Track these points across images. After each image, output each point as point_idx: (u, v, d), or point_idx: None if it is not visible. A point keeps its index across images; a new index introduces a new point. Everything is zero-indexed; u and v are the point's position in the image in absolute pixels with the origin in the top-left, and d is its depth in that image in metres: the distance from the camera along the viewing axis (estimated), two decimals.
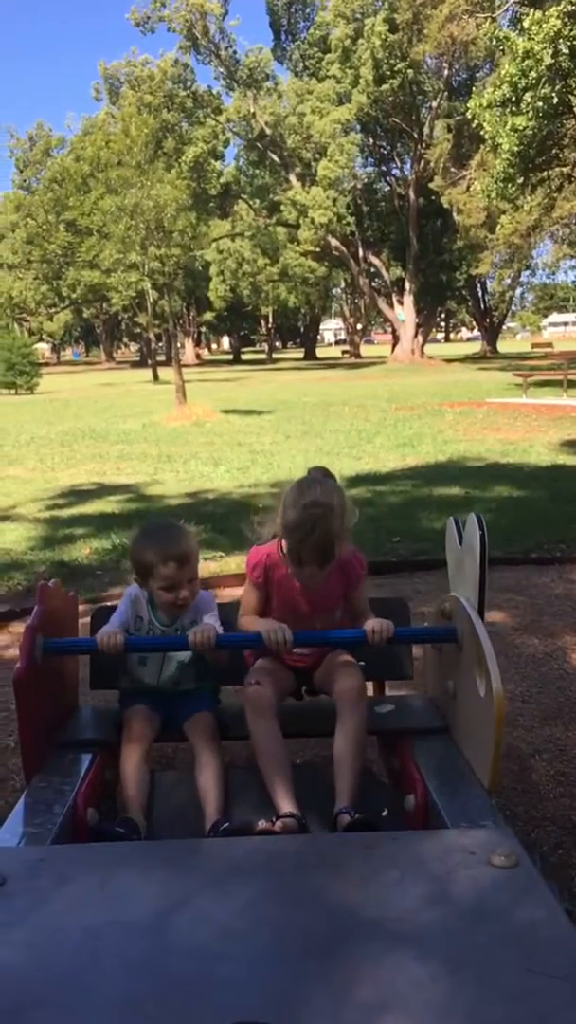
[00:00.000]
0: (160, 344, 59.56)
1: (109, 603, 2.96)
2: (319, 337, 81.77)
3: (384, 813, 2.23)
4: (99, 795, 2.45)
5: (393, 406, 18.24)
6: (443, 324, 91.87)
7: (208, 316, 60.72)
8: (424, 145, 40.42)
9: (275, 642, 2.41)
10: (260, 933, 1.52)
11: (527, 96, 18.20)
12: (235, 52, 43.61)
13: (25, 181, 59.58)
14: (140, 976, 1.42)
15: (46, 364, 56.22)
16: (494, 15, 25.11)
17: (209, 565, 5.84)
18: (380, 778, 2.77)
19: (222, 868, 1.77)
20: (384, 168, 46.95)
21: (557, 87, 17.88)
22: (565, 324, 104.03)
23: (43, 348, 73.66)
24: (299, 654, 2.69)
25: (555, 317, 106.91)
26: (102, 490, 9.38)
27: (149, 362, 43.68)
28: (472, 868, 1.70)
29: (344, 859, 1.80)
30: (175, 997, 1.35)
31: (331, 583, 2.63)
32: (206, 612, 2.68)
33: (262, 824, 2.20)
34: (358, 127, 42.36)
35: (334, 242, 43.01)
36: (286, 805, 2.26)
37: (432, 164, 37.91)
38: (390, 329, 51.01)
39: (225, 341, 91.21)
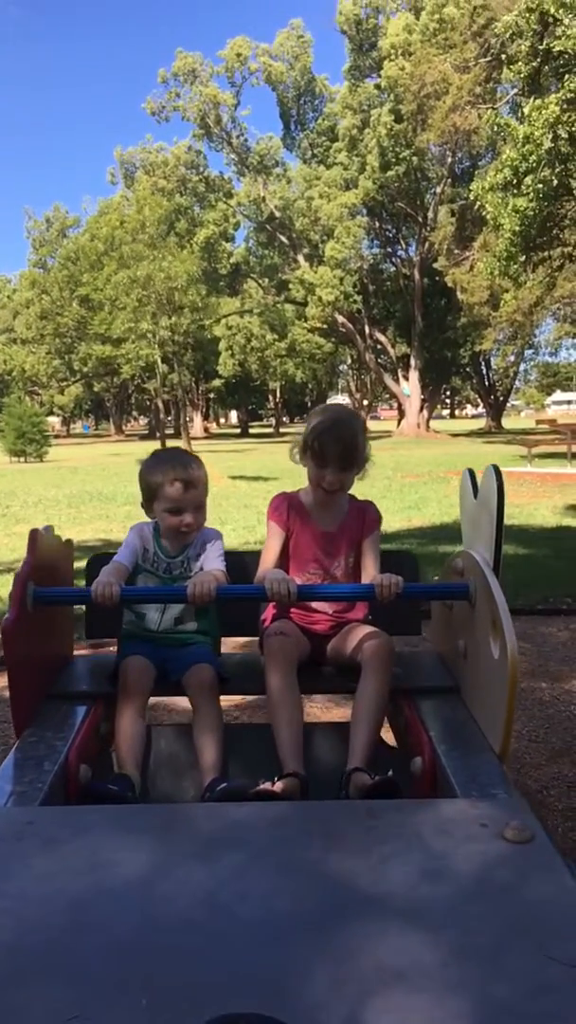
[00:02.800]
0: (169, 417, 60.36)
1: (105, 552, 2.82)
2: None
3: (389, 774, 2.10)
4: (93, 750, 2.33)
5: (399, 474, 18.37)
6: (448, 400, 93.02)
7: (217, 383, 61.55)
8: (428, 228, 41.62)
9: (278, 593, 2.30)
10: (256, 908, 1.42)
11: (528, 179, 18.82)
12: (246, 140, 45.42)
13: (41, 260, 61.32)
14: (128, 956, 1.32)
15: (56, 436, 56.90)
16: (495, 105, 26.22)
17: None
18: (384, 738, 2.62)
19: (216, 836, 1.67)
20: (390, 250, 48.26)
21: (557, 170, 18.51)
22: (568, 402, 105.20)
23: (53, 421, 74.62)
24: (320, 613, 2.61)
25: (558, 395, 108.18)
26: (107, 546, 9.39)
27: (158, 433, 44.20)
28: (483, 842, 1.59)
29: (346, 828, 1.69)
30: (164, 980, 1.25)
31: (347, 526, 2.61)
32: (213, 548, 2.61)
33: (262, 785, 2.10)
34: (364, 211, 43.69)
35: (341, 319, 43.94)
36: (292, 764, 2.18)
37: (436, 246, 38.99)
38: (396, 405, 51.71)
39: (233, 416, 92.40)
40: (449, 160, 39.98)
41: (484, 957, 1.29)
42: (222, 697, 2.50)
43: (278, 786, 2.09)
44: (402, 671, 2.57)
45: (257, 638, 2.71)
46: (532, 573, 7.00)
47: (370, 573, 2.57)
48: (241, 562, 2.73)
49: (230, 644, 2.84)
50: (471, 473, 2.65)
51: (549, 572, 7.08)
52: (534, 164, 18.29)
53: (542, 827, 1.66)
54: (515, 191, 19.43)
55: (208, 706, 2.39)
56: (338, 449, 2.47)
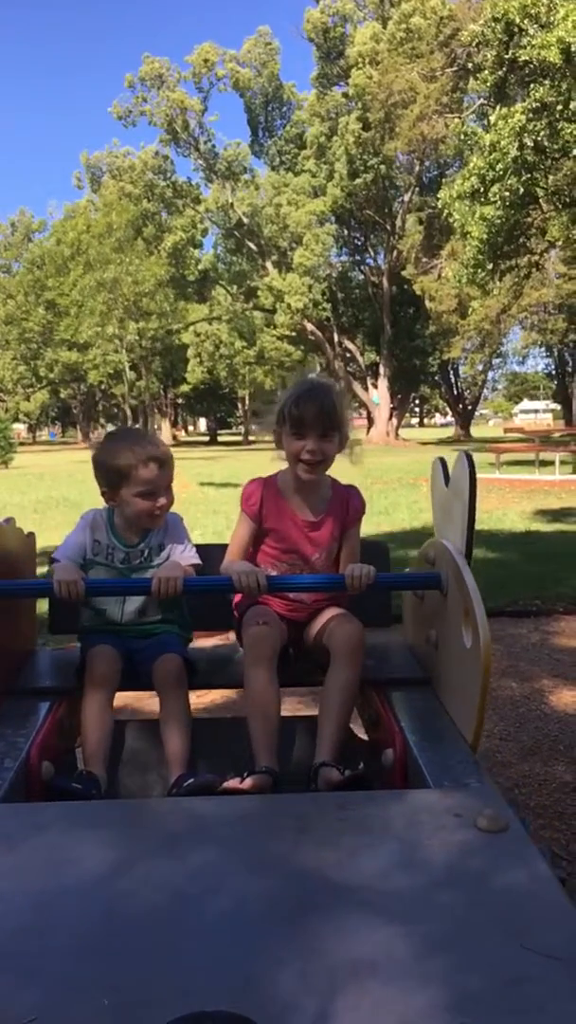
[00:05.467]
0: (137, 424, 60.06)
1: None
2: None
3: (360, 767, 2.05)
4: (56, 747, 2.24)
5: (369, 480, 18.36)
6: (417, 409, 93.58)
7: (184, 388, 61.26)
8: (396, 236, 41.91)
9: (247, 586, 2.22)
10: (223, 904, 1.38)
11: (495, 187, 18.98)
12: (214, 146, 45.41)
13: (5, 264, 60.79)
14: (91, 957, 1.26)
15: (22, 443, 56.30)
16: (462, 114, 26.47)
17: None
18: (355, 731, 2.56)
19: (183, 830, 1.62)
20: (358, 257, 48.49)
21: (523, 179, 18.69)
22: (536, 411, 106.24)
23: (19, 428, 73.88)
24: (295, 601, 2.49)
25: (526, 404, 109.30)
26: None
27: None
28: (456, 831, 1.56)
29: (316, 820, 1.64)
30: (128, 981, 1.20)
31: (331, 516, 2.47)
32: (176, 537, 2.49)
33: (230, 782, 2.02)
34: (333, 219, 43.87)
35: (310, 327, 44.04)
36: (264, 759, 2.09)
37: (404, 254, 39.28)
38: (365, 413, 51.91)
39: (202, 423, 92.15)
40: (417, 168, 40.31)
41: (457, 947, 1.27)
42: (191, 691, 2.40)
43: (247, 782, 2.00)
44: (374, 663, 2.51)
45: (227, 632, 2.60)
46: (502, 576, 7.00)
47: (347, 565, 2.45)
48: (207, 555, 2.61)
49: (198, 641, 2.75)
50: (442, 461, 2.59)
51: (519, 575, 7.08)
52: (501, 172, 18.44)
53: (516, 816, 1.62)
54: (482, 199, 19.57)
55: (175, 698, 2.28)
56: (316, 411, 2.31)
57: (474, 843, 1.52)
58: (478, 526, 8.56)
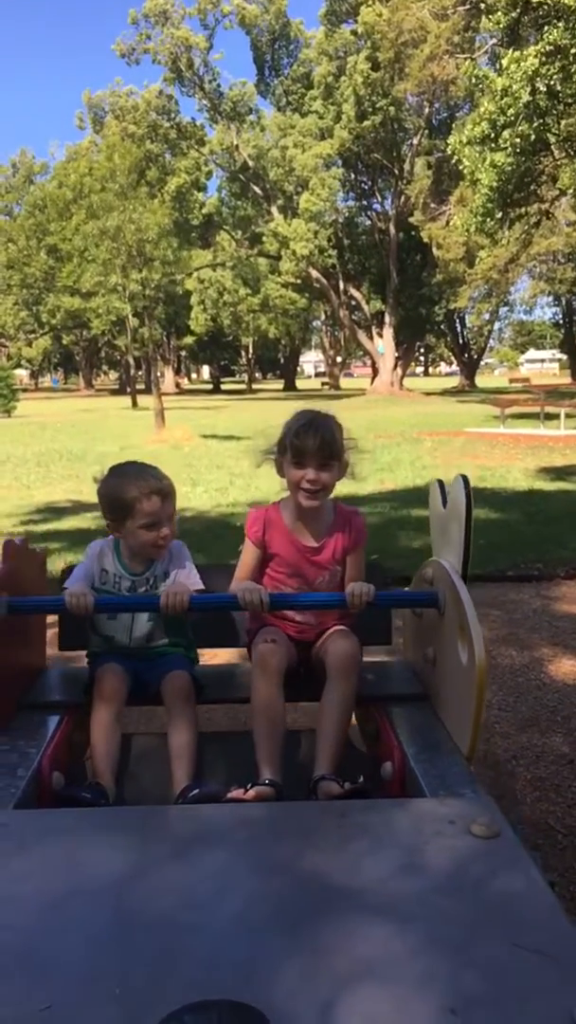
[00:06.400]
0: (140, 372, 59.73)
1: (80, 560, 2.83)
2: (299, 369, 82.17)
3: (360, 780, 2.14)
4: (66, 759, 2.34)
5: (372, 434, 18.31)
6: (422, 358, 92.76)
7: (188, 340, 60.82)
8: (404, 181, 41.07)
9: (251, 602, 2.31)
10: (228, 904, 1.45)
11: (505, 133, 18.54)
12: (219, 85, 44.21)
13: (7, 206, 59.77)
14: (102, 950, 1.34)
15: (24, 390, 55.98)
16: (474, 55, 25.72)
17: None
18: (356, 745, 2.67)
19: (190, 836, 1.70)
20: (365, 203, 47.59)
21: (535, 124, 18.24)
22: (542, 361, 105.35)
23: (21, 374, 73.46)
24: (303, 623, 2.59)
25: (532, 354, 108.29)
26: (78, 507, 9.29)
27: (128, 389, 43.67)
28: (451, 837, 1.64)
29: (319, 828, 1.73)
30: (138, 973, 1.28)
31: (333, 541, 2.56)
32: (179, 563, 2.57)
33: (234, 792, 2.10)
34: (340, 162, 42.94)
35: (315, 274, 43.43)
36: (268, 772, 2.17)
37: (412, 199, 38.52)
38: (369, 362, 51.45)
39: (205, 371, 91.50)
40: (427, 111, 39.34)
41: (452, 945, 1.34)
42: (198, 706, 2.51)
43: (251, 793, 2.08)
44: (374, 680, 2.63)
45: (231, 649, 2.75)
46: (503, 538, 7.03)
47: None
48: (209, 578, 2.73)
49: (203, 655, 2.89)
50: (441, 484, 2.69)
51: (520, 537, 7.10)
52: (512, 118, 18.00)
53: (508, 824, 1.71)
54: (492, 145, 19.13)
55: (183, 713, 2.38)
56: (316, 443, 2.41)
57: (469, 849, 1.60)
58: (481, 483, 8.63)
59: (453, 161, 22.61)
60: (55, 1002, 1.22)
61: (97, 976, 1.27)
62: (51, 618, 2.88)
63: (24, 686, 2.58)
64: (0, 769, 2.09)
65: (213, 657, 3.35)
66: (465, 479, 2.37)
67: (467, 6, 25.48)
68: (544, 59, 16.87)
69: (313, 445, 2.41)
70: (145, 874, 1.54)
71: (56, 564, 6.41)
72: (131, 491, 2.43)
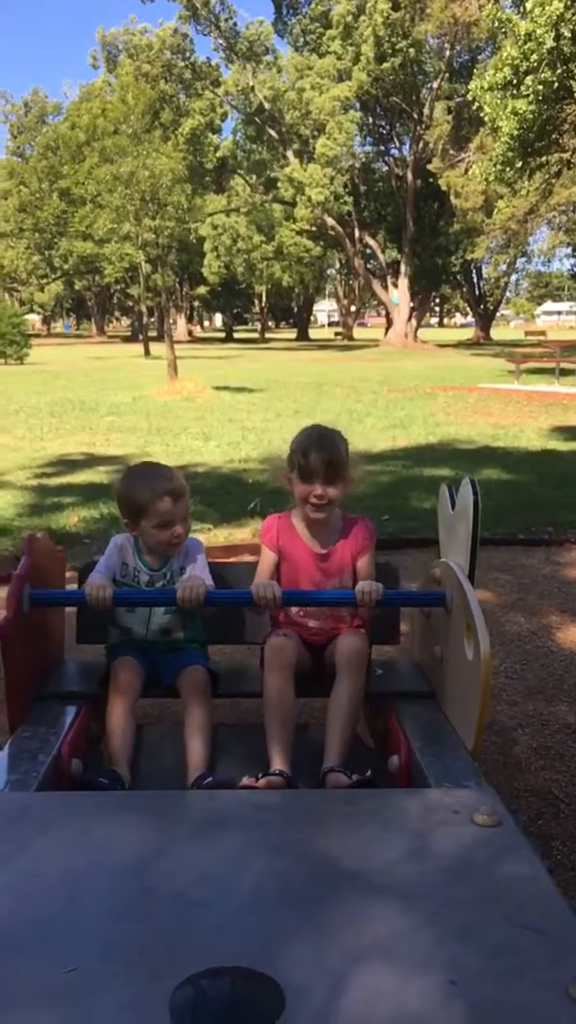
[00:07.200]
0: (152, 319, 59.24)
1: (97, 559, 2.95)
2: (312, 318, 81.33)
3: (368, 774, 2.24)
4: (84, 747, 2.44)
5: (385, 388, 18.21)
6: (437, 309, 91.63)
7: (202, 290, 60.22)
8: (423, 126, 40.16)
9: (264, 597, 2.42)
10: (241, 881, 1.53)
11: (528, 79, 18.09)
12: (235, 24, 43.06)
13: (19, 148, 58.83)
14: (122, 920, 1.43)
15: (36, 335, 55.67)
16: None
17: (197, 538, 5.84)
18: (365, 740, 2.79)
19: (205, 818, 1.78)
20: (383, 148, 46.59)
21: (558, 71, 17.78)
22: (559, 313, 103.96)
23: (33, 319, 72.89)
24: (314, 627, 2.70)
25: (549, 306, 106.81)
26: (91, 460, 9.33)
27: (140, 337, 43.34)
28: (455, 826, 1.72)
29: (327, 814, 1.81)
30: (156, 941, 1.36)
31: (340, 548, 2.67)
32: (195, 559, 2.67)
33: (246, 780, 2.20)
34: (357, 105, 41.96)
35: (330, 221, 42.73)
36: (278, 763, 2.27)
37: (431, 145, 37.72)
38: (384, 312, 50.82)
39: (218, 319, 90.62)
40: (447, 53, 38.27)
41: (453, 924, 1.41)
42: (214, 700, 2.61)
43: (262, 782, 2.18)
44: (382, 676, 2.74)
45: (241, 646, 2.90)
46: (514, 500, 7.03)
47: None
48: (222, 573, 2.83)
49: (214, 652, 2.98)
50: (449, 487, 2.79)
51: (532, 499, 7.11)
52: (535, 64, 17.56)
53: (509, 814, 1.79)
54: (514, 92, 18.69)
55: (199, 705, 2.48)
56: (323, 461, 2.52)
57: (472, 836, 1.68)
58: (494, 442, 8.60)
59: (474, 107, 22.10)
60: (78, 962, 1.31)
61: (117, 944, 1.36)
62: (69, 612, 2.99)
63: (44, 677, 2.69)
64: (22, 755, 2.19)
65: (225, 653, 3.44)
66: (473, 482, 2.46)
67: None
68: (570, 3, 16.38)
69: (319, 463, 2.53)
70: (161, 852, 1.62)
71: (71, 518, 6.49)
72: (144, 492, 2.55)
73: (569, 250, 50.14)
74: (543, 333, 48.71)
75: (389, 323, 47.18)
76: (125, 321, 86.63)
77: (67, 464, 9.10)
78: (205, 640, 2.82)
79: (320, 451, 2.53)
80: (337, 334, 67.42)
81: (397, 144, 45.74)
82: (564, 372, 19.73)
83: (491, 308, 58.82)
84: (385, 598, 2.46)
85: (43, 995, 1.25)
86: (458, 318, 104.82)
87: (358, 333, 65.11)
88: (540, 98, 18.08)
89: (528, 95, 18.14)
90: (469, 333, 61.86)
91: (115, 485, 2.72)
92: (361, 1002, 1.23)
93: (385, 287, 46.28)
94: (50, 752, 2.21)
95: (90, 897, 1.49)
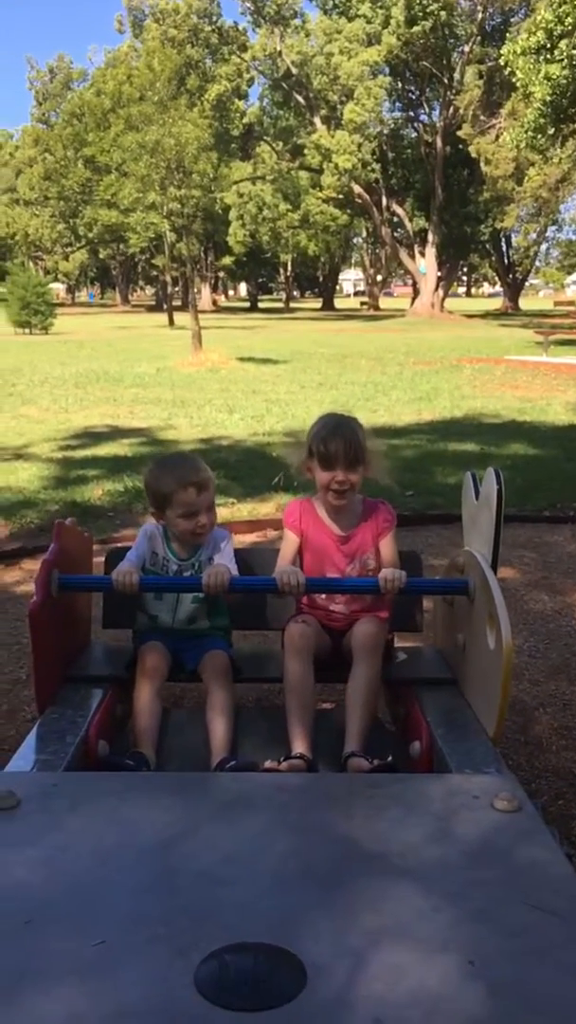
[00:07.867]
0: (176, 288, 58.95)
1: (122, 545, 3.00)
2: (338, 287, 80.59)
3: (389, 759, 2.27)
4: (110, 729, 2.49)
5: (411, 360, 18.07)
6: (465, 278, 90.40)
7: (227, 261, 59.84)
8: (454, 91, 39.43)
9: (288, 584, 2.44)
10: (265, 860, 1.56)
11: (562, 44, 17.70)
12: None
13: (44, 115, 58.50)
14: (148, 896, 1.47)
15: (61, 304, 55.66)
16: None
17: (221, 512, 5.86)
18: (387, 727, 2.82)
19: (229, 799, 1.82)
20: (412, 114, 45.80)
21: None
22: None
23: (58, 288, 72.83)
24: (335, 612, 2.73)
25: None
26: (115, 433, 9.37)
27: (165, 307, 43.21)
28: (475, 810, 1.74)
29: (349, 796, 1.85)
30: (181, 917, 1.40)
31: (361, 531, 2.71)
32: (226, 549, 2.72)
33: (268, 764, 2.24)
34: (387, 70, 41.23)
35: (357, 189, 42.20)
36: (299, 746, 2.31)
37: (461, 111, 37.07)
38: (410, 282, 50.27)
39: (242, 288, 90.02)
40: (479, 16, 37.50)
41: (472, 905, 1.45)
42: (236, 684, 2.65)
43: (283, 766, 2.22)
44: (405, 663, 2.78)
45: (264, 632, 2.93)
46: (541, 475, 6.99)
47: None
48: (248, 560, 2.87)
49: (238, 638, 3.02)
50: (473, 476, 2.82)
51: (559, 475, 7.06)
52: (570, 27, 17.13)
53: (529, 800, 1.81)
54: (548, 56, 18.29)
55: (221, 689, 2.53)
56: (342, 447, 2.57)
57: (491, 821, 1.71)
58: (520, 417, 8.54)
59: (506, 72, 21.65)
60: (107, 935, 1.35)
61: (144, 919, 1.40)
62: (96, 597, 3.04)
63: (71, 660, 2.74)
64: (51, 736, 2.24)
65: (250, 638, 3.48)
66: (497, 472, 2.47)
67: None
68: None
69: (339, 449, 2.56)
70: (187, 832, 1.66)
71: (95, 491, 6.54)
72: (169, 483, 2.60)
73: None
74: (572, 303, 47.88)
75: (416, 293, 46.68)
76: (149, 290, 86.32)
77: (92, 436, 9.15)
78: (229, 627, 2.86)
79: (339, 438, 2.58)
80: (363, 303, 66.79)
81: (427, 110, 44.98)
82: None
83: (520, 278, 57.98)
84: (408, 586, 2.48)
85: (72, 967, 1.29)
86: (486, 287, 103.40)
87: (384, 303, 64.47)
88: (574, 63, 17.67)
89: (562, 60, 17.75)
90: (497, 303, 61.10)
91: (144, 475, 2.77)
92: (380, 980, 1.26)
93: (412, 256, 45.75)
94: (78, 733, 2.26)
95: (118, 874, 1.53)
